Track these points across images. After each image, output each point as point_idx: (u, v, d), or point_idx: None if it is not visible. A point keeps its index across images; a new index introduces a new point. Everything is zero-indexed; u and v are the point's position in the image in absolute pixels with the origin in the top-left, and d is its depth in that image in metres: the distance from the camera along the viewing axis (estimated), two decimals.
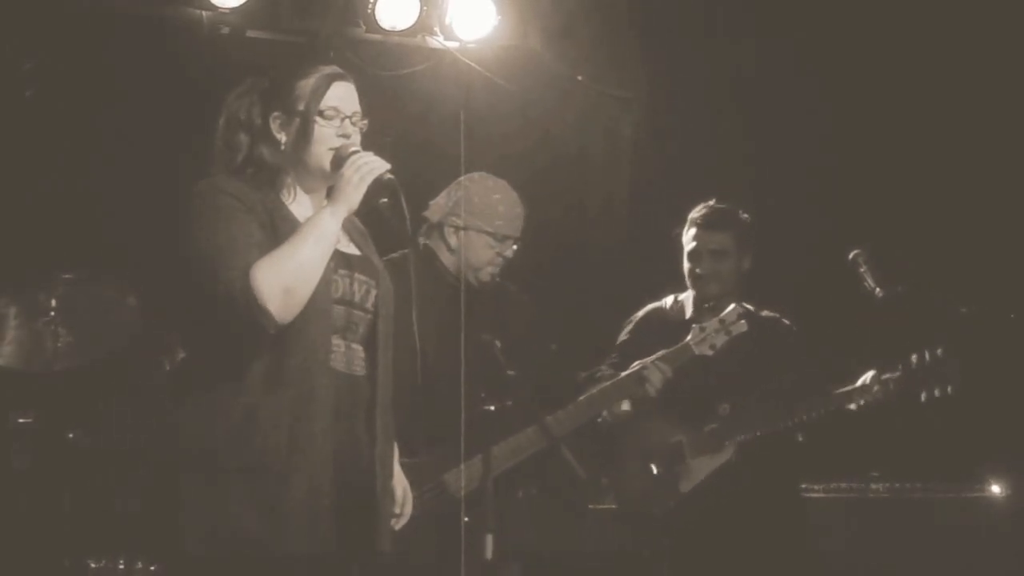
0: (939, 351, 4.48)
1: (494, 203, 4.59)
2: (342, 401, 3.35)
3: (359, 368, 3.43)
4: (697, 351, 4.52)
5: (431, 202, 4.67)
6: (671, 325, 4.81)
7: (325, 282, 3.33)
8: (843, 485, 5.30)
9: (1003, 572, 5.13)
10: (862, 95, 6.11)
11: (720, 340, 4.52)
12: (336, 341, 3.38)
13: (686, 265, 4.86)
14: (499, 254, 4.59)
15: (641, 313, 4.99)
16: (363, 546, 3.39)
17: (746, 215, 4.91)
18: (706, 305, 4.81)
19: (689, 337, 4.54)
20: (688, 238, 4.88)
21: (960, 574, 5.13)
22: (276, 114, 3.41)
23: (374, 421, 3.43)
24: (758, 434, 4.60)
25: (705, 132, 6.12)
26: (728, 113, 6.16)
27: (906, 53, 6.02)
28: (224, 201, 3.30)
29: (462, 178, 4.62)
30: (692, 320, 4.77)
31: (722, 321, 4.53)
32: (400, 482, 3.59)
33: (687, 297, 4.92)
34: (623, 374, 4.59)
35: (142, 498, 3.41)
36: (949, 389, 4.45)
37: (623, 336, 4.97)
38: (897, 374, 4.50)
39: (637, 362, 4.59)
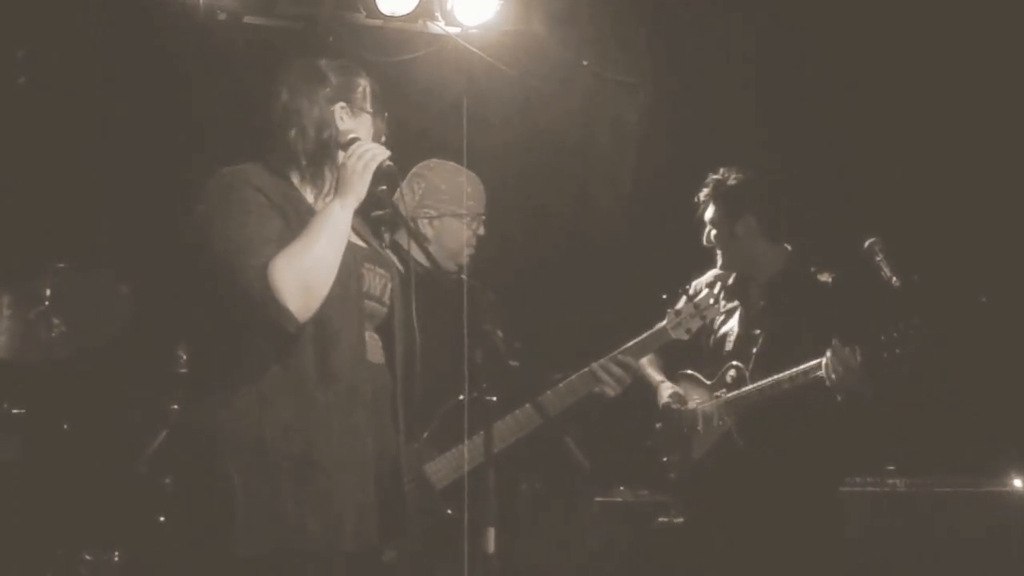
0: (904, 323, 4.24)
1: (460, 185, 4.60)
2: (375, 392, 3.39)
3: (379, 356, 3.47)
4: (673, 335, 4.55)
5: (393, 198, 4.62)
6: (722, 291, 4.77)
7: (357, 276, 3.38)
8: (859, 479, 5.20)
9: None
10: (870, 79, 6.05)
11: (695, 324, 4.54)
12: (369, 333, 3.42)
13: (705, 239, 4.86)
14: (474, 233, 4.58)
15: (702, 279, 4.93)
16: (394, 537, 3.46)
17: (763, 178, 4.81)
18: (742, 277, 4.80)
19: (665, 322, 4.54)
20: (707, 215, 4.84)
21: (980, 571, 5.04)
22: (342, 105, 3.47)
23: (397, 410, 3.48)
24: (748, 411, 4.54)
25: (711, 118, 6.04)
26: (735, 98, 6.09)
27: (915, 39, 5.95)
28: (249, 194, 3.29)
29: (417, 168, 4.62)
30: (732, 288, 4.78)
31: (696, 306, 4.54)
32: None
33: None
34: (589, 366, 4.54)
35: (180, 496, 3.36)
36: (910, 363, 4.21)
37: None
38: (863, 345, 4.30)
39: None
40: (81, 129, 5.59)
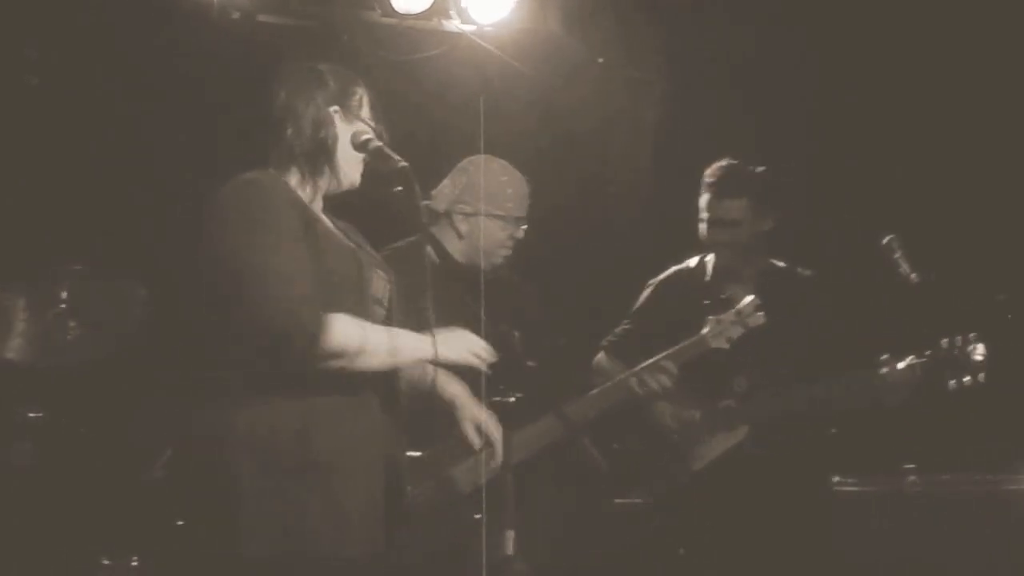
0: (971, 335, 4.37)
1: (502, 185, 4.55)
2: (382, 399, 3.38)
3: None
4: (713, 344, 4.52)
5: (433, 191, 4.58)
6: (692, 288, 4.73)
7: (368, 280, 3.38)
8: (877, 478, 5.17)
9: None
10: (888, 74, 6.00)
11: (736, 332, 4.49)
12: None
13: (702, 229, 4.76)
14: (511, 236, 4.54)
15: (663, 276, 4.94)
16: (398, 545, 3.41)
17: (761, 169, 4.78)
18: (726, 271, 4.76)
19: (706, 330, 4.51)
20: (702, 203, 4.76)
21: (998, 570, 5.00)
22: (336, 108, 3.45)
23: (401, 416, 3.45)
24: (774, 420, 4.51)
25: (727, 115, 6.00)
26: (751, 95, 6.05)
27: (931, 31, 5.90)
28: (275, 213, 3.26)
29: (464, 162, 4.56)
30: (712, 284, 4.74)
31: (739, 313, 4.51)
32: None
33: (711, 259, 4.84)
34: (626, 373, 4.54)
35: (190, 498, 3.35)
36: (972, 378, 4.35)
37: (642, 300, 4.90)
38: (924, 359, 4.40)
39: (652, 360, 4.53)
40: (95, 129, 5.56)
